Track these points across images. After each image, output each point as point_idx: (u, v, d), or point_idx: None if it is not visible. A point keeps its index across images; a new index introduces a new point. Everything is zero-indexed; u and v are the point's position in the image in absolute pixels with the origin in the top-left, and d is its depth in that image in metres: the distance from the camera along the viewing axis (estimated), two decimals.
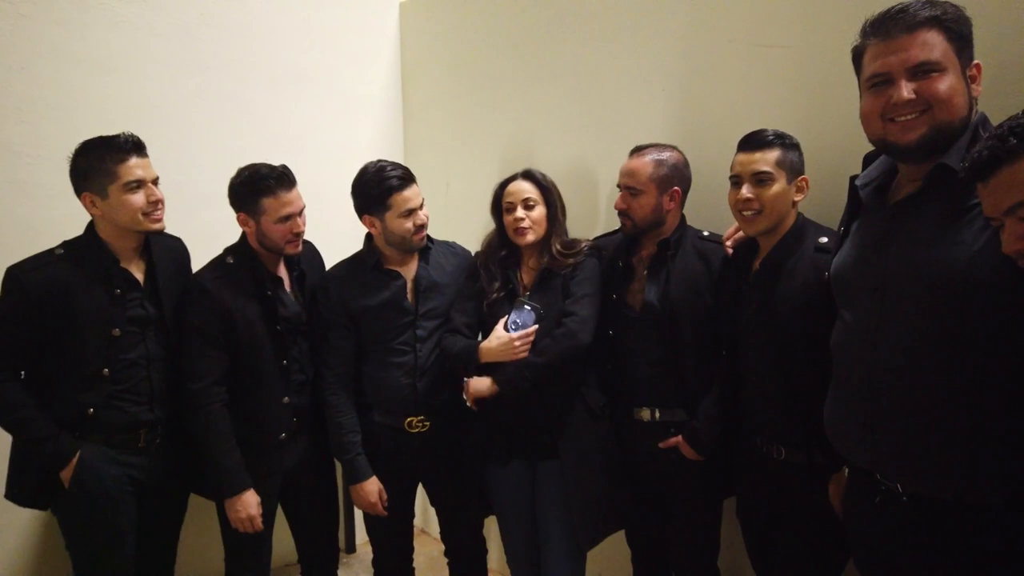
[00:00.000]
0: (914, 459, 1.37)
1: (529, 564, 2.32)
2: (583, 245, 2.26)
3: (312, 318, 2.34)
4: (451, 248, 2.48)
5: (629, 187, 2.13)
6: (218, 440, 2.15)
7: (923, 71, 1.35)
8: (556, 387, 2.17)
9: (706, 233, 2.17)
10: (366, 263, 2.34)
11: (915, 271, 1.35)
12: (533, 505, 2.26)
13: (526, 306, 2.17)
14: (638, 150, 2.17)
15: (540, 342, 2.15)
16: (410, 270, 2.36)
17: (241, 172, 2.23)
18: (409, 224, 2.26)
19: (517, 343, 2.14)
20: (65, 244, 2.09)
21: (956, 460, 1.32)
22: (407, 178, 2.28)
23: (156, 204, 2.08)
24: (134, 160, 2.04)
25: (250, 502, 2.16)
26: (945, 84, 1.33)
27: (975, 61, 1.35)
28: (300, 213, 2.25)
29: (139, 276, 2.14)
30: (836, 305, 1.57)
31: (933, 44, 1.33)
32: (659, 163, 2.12)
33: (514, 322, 2.17)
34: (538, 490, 2.24)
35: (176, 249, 2.29)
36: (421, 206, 2.29)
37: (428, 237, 2.40)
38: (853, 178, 1.56)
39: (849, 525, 1.62)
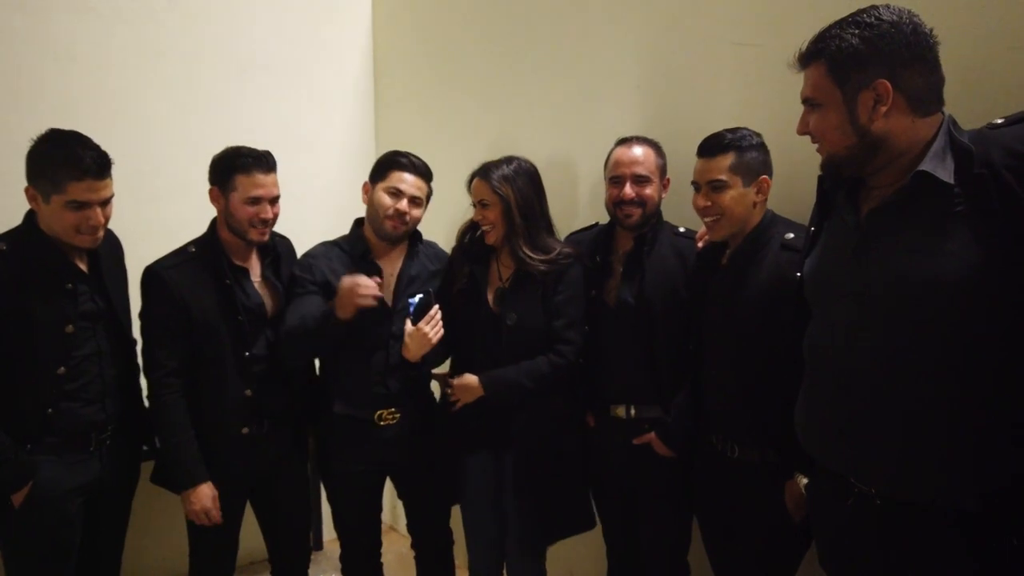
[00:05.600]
0: (890, 465, 1.37)
1: (490, 554, 2.33)
2: (561, 251, 2.22)
3: (289, 287, 2.29)
4: (434, 249, 2.47)
5: (638, 175, 2.11)
6: (173, 432, 2.12)
7: (809, 105, 1.45)
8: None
9: (682, 229, 2.18)
10: (353, 250, 2.31)
11: (899, 279, 1.34)
12: (497, 494, 2.27)
13: (418, 296, 2.20)
14: (626, 141, 2.17)
15: (530, 358, 2.15)
16: (395, 265, 2.34)
17: (225, 149, 2.22)
18: (388, 201, 2.25)
19: (426, 328, 2.15)
20: (6, 238, 2.00)
21: (932, 466, 1.33)
22: (417, 168, 2.29)
23: (93, 228, 1.99)
24: (88, 182, 1.94)
25: (205, 494, 2.12)
26: (815, 119, 1.43)
27: (878, 80, 1.32)
28: (272, 201, 2.21)
29: (83, 269, 2.08)
30: (809, 306, 1.57)
31: (811, 79, 1.42)
32: (659, 152, 2.15)
33: (414, 315, 2.19)
34: (502, 480, 2.25)
35: (111, 241, 2.23)
36: (413, 200, 2.27)
37: (418, 235, 2.40)
38: (822, 179, 1.56)
39: (816, 527, 1.63)
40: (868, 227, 1.42)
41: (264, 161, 2.19)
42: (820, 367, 1.52)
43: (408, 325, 2.19)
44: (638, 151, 2.13)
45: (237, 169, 2.17)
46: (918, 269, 1.31)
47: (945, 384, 1.31)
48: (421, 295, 2.21)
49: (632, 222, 2.13)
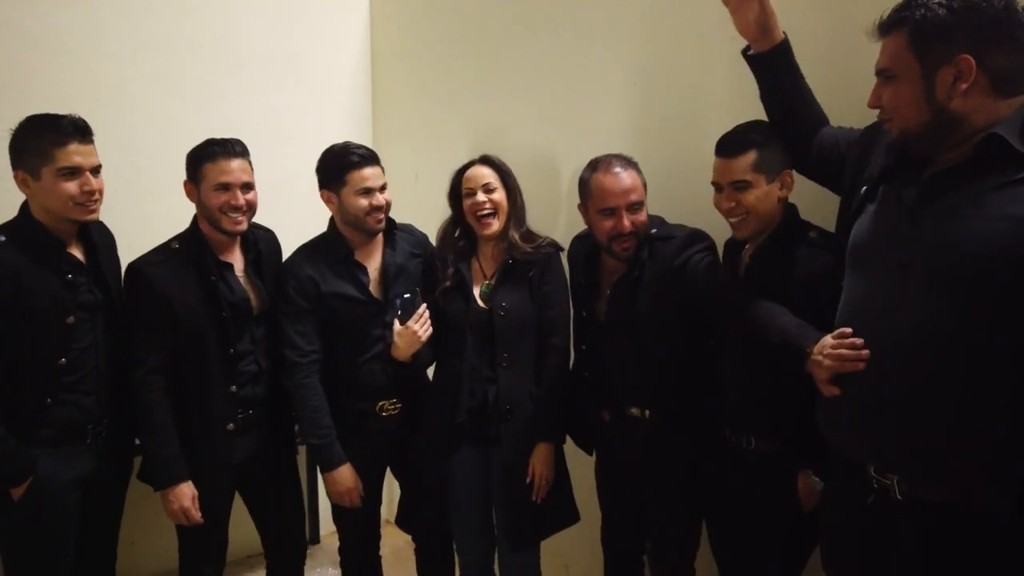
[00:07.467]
0: (918, 448, 1.30)
1: (480, 551, 2.33)
2: (543, 239, 2.26)
3: (277, 303, 2.27)
4: (410, 231, 2.47)
5: (633, 204, 2.00)
6: (155, 430, 2.11)
7: (883, 77, 1.37)
8: (517, 383, 2.18)
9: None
10: (336, 252, 2.30)
11: (951, 244, 1.26)
12: (484, 492, 2.27)
13: (404, 296, 2.22)
14: (604, 165, 2.04)
15: (522, 347, 2.19)
16: (376, 259, 2.34)
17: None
18: (364, 203, 2.23)
19: (415, 327, 2.19)
20: (4, 230, 2.00)
21: (965, 454, 1.25)
22: (369, 158, 2.26)
23: (90, 195, 2.00)
24: (74, 146, 1.95)
25: (184, 494, 2.10)
26: (888, 93, 1.36)
27: (961, 56, 1.24)
28: (244, 188, 2.17)
29: (80, 259, 2.08)
30: (845, 278, 1.50)
31: (890, 49, 1.34)
32: (639, 169, 2.07)
33: (401, 314, 2.21)
34: (489, 478, 2.25)
35: (105, 234, 2.23)
36: (382, 188, 2.27)
37: (392, 221, 2.39)
38: (890, 145, 1.47)
39: (826, 528, 1.58)
40: (927, 191, 1.34)
41: (229, 147, 2.17)
42: None
43: (396, 324, 2.20)
44: (625, 177, 2.01)
45: (204, 159, 2.15)
46: (972, 233, 1.24)
47: (989, 365, 1.23)
48: (408, 295, 2.22)
49: (630, 254, 2.03)
